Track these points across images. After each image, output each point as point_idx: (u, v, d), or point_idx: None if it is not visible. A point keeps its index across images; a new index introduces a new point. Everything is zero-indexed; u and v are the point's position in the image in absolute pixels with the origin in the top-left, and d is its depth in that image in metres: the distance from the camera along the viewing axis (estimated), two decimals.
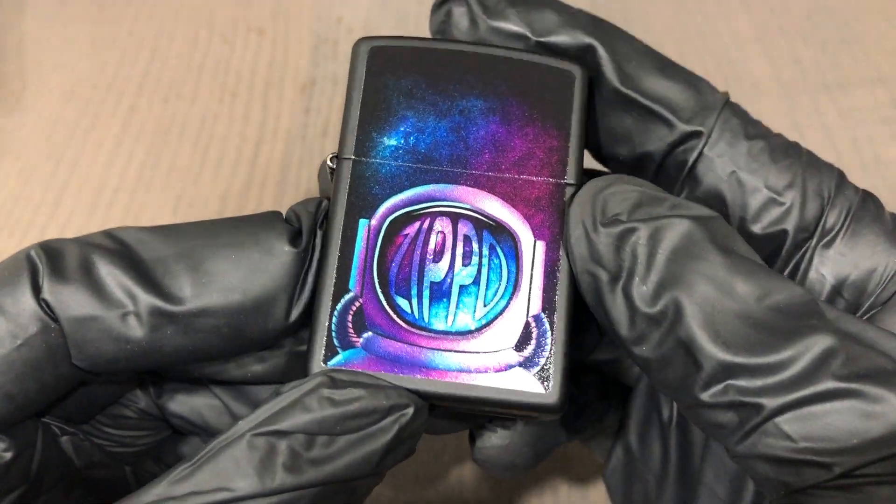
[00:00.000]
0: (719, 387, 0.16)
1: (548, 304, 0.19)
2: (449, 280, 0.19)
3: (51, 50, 0.44)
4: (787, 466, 0.16)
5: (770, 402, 0.15)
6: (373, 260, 0.19)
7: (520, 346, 0.19)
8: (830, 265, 0.19)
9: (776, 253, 0.20)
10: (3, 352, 0.17)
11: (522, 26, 0.20)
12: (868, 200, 0.20)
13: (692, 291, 0.16)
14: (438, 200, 0.20)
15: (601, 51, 0.20)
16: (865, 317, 0.19)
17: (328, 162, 0.20)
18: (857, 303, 0.19)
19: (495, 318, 0.19)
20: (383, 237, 0.19)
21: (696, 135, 0.20)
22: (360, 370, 0.18)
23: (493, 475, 0.27)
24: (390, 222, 0.19)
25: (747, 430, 0.16)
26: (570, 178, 0.20)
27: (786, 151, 0.20)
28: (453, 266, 0.19)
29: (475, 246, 0.19)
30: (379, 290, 0.19)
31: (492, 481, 0.29)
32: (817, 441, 0.15)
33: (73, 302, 0.18)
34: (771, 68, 0.41)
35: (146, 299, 0.18)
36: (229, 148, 0.40)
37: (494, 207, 0.20)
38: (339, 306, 0.19)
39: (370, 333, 0.19)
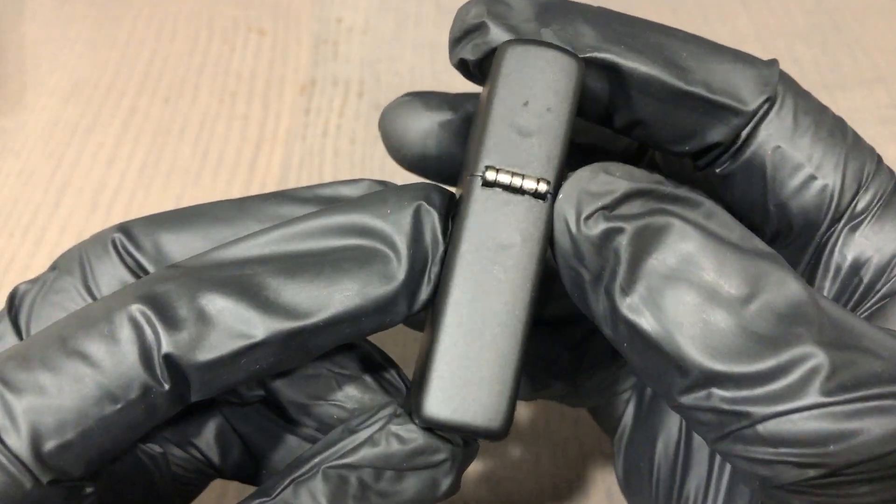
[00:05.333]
0: (702, 393, 0.16)
1: None
2: None
3: (51, 50, 0.44)
4: (764, 466, 0.16)
5: (753, 411, 0.15)
6: None
7: None
8: (854, 247, 0.19)
9: (808, 230, 0.20)
10: (101, 414, 0.16)
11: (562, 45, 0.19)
12: None
13: (676, 300, 0.16)
14: None
15: (650, 58, 0.19)
16: (883, 302, 0.19)
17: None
18: (875, 286, 0.19)
19: None
20: None
21: (759, 114, 0.19)
22: None
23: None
24: None
25: (726, 433, 0.16)
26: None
27: (832, 130, 0.20)
28: None
29: None
30: None
31: (492, 481, 0.29)
32: (795, 447, 0.15)
33: (196, 351, 0.17)
34: None
35: (269, 324, 0.17)
36: (229, 148, 0.40)
37: None
38: None
39: None
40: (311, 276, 0.17)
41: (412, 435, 0.18)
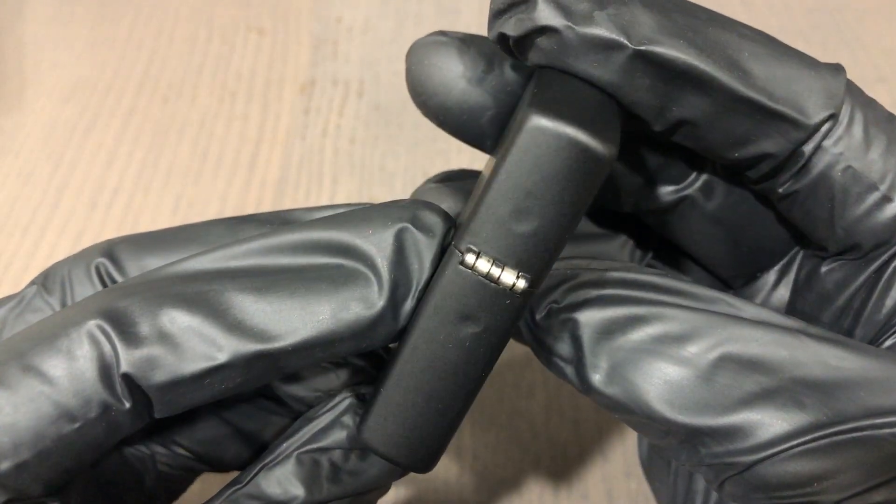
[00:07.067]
0: (691, 450, 0.17)
1: None
2: None
3: (50, 50, 0.44)
4: None
5: (737, 461, 0.16)
6: None
7: None
8: None
9: (877, 250, 0.19)
10: (59, 433, 0.16)
11: (617, 32, 0.17)
12: None
13: (637, 369, 0.17)
14: None
15: (711, 57, 0.17)
16: None
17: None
18: None
19: None
20: None
21: (822, 128, 0.18)
22: None
23: None
24: None
25: (722, 482, 0.17)
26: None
27: None
28: None
29: None
30: None
31: (492, 481, 0.29)
32: (784, 489, 0.16)
33: (156, 371, 0.16)
34: None
35: (234, 346, 0.16)
36: (229, 148, 0.40)
37: None
38: None
39: None
40: (282, 296, 0.16)
41: None
